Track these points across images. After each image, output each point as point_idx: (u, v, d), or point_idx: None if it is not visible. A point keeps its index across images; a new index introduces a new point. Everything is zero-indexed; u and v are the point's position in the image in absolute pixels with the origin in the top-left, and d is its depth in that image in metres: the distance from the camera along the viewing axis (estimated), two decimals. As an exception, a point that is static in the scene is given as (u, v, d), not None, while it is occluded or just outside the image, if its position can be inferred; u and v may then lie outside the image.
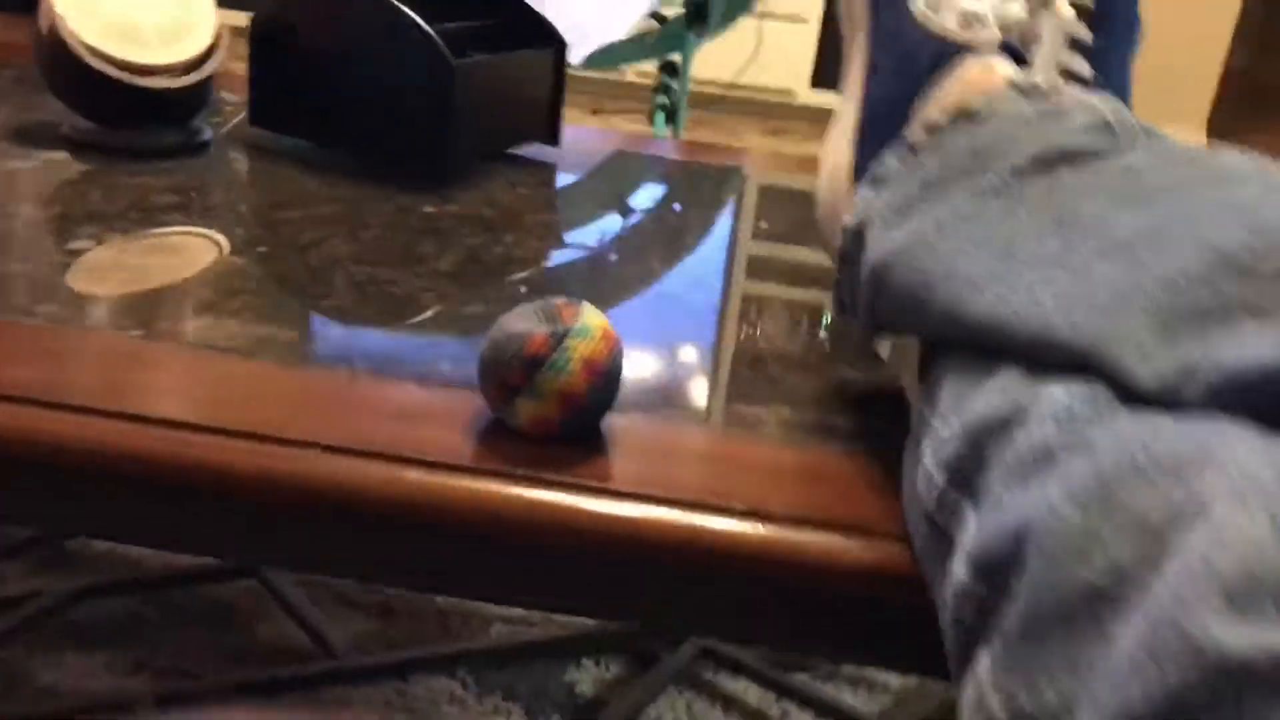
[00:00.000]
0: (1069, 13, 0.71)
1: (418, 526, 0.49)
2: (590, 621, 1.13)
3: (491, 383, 0.51)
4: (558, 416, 0.50)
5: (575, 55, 1.71)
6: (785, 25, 3.49)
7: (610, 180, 1.01)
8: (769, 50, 3.46)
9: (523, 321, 0.51)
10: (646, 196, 0.99)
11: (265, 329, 0.60)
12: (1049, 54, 0.73)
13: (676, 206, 0.97)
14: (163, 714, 0.95)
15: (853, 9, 0.80)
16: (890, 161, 0.66)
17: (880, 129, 0.72)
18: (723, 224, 0.92)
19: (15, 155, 0.81)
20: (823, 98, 3.56)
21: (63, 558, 1.16)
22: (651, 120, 1.91)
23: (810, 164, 1.27)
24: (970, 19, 0.71)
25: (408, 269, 0.70)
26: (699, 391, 0.61)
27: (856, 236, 0.59)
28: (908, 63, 0.72)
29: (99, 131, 0.84)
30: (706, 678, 1.10)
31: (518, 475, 0.49)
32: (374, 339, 0.61)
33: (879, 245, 0.55)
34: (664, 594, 0.50)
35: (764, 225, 0.92)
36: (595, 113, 3.45)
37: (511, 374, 0.50)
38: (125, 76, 0.80)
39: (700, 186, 1.02)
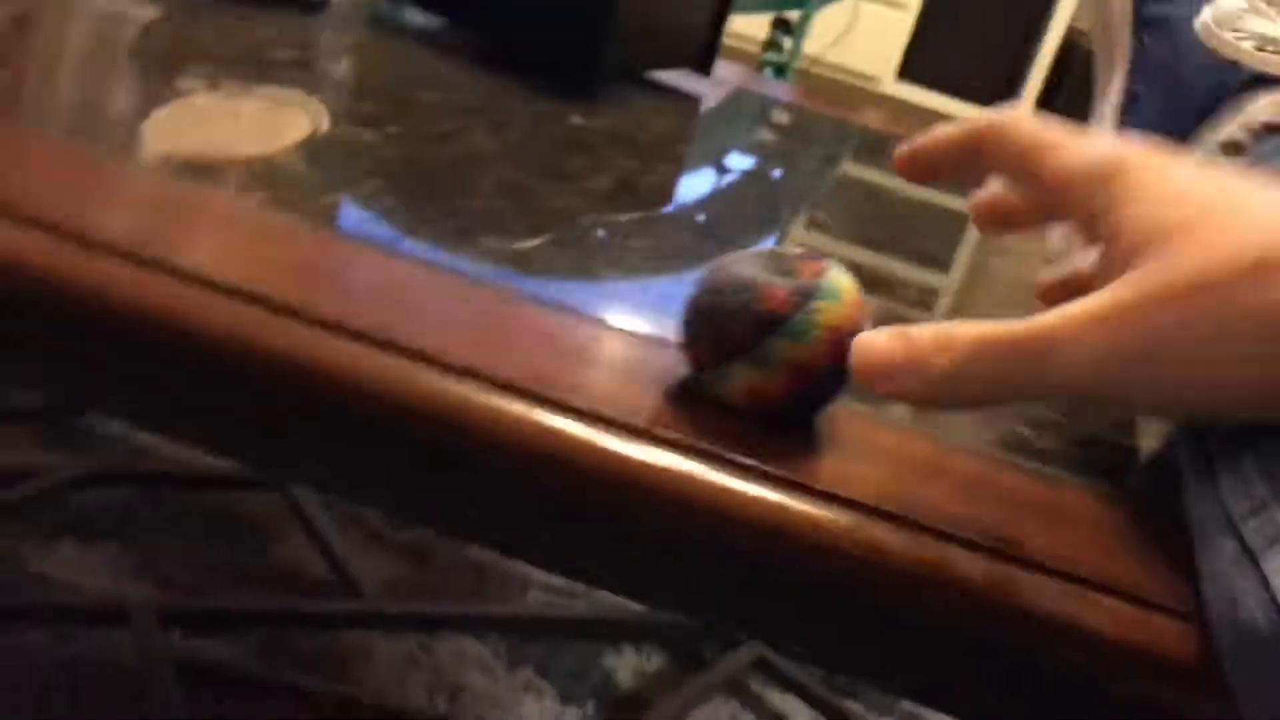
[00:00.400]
0: None
1: (577, 498, 0.39)
2: (636, 605, 1.03)
3: (704, 337, 0.40)
4: (783, 393, 0.39)
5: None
6: (883, 10, 3.36)
7: (751, 120, 0.90)
8: (861, 32, 3.33)
9: (753, 269, 0.40)
10: (784, 143, 0.88)
11: (401, 221, 0.49)
12: None
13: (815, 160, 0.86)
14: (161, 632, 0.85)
15: (1111, 32, 0.70)
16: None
17: None
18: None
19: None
20: (905, 90, 3.44)
21: (71, 435, 1.05)
22: (758, 71, 1.80)
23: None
24: (1265, 44, 0.60)
25: (560, 183, 0.59)
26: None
27: None
28: (1180, 95, 0.62)
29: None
30: (755, 689, 1.00)
31: (733, 459, 0.38)
32: (529, 257, 0.50)
33: None
34: (889, 638, 0.40)
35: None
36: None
37: (735, 331, 0.39)
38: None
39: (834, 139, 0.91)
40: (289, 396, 0.39)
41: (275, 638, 0.90)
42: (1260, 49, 0.61)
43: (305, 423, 0.40)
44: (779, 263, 0.40)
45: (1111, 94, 0.69)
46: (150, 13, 0.66)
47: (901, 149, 0.38)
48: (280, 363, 0.38)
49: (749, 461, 0.38)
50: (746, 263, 0.41)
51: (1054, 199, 0.33)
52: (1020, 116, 0.35)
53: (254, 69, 0.62)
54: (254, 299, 0.38)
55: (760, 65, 1.76)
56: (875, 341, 0.33)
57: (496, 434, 0.38)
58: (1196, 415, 0.33)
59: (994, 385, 0.31)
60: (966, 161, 0.37)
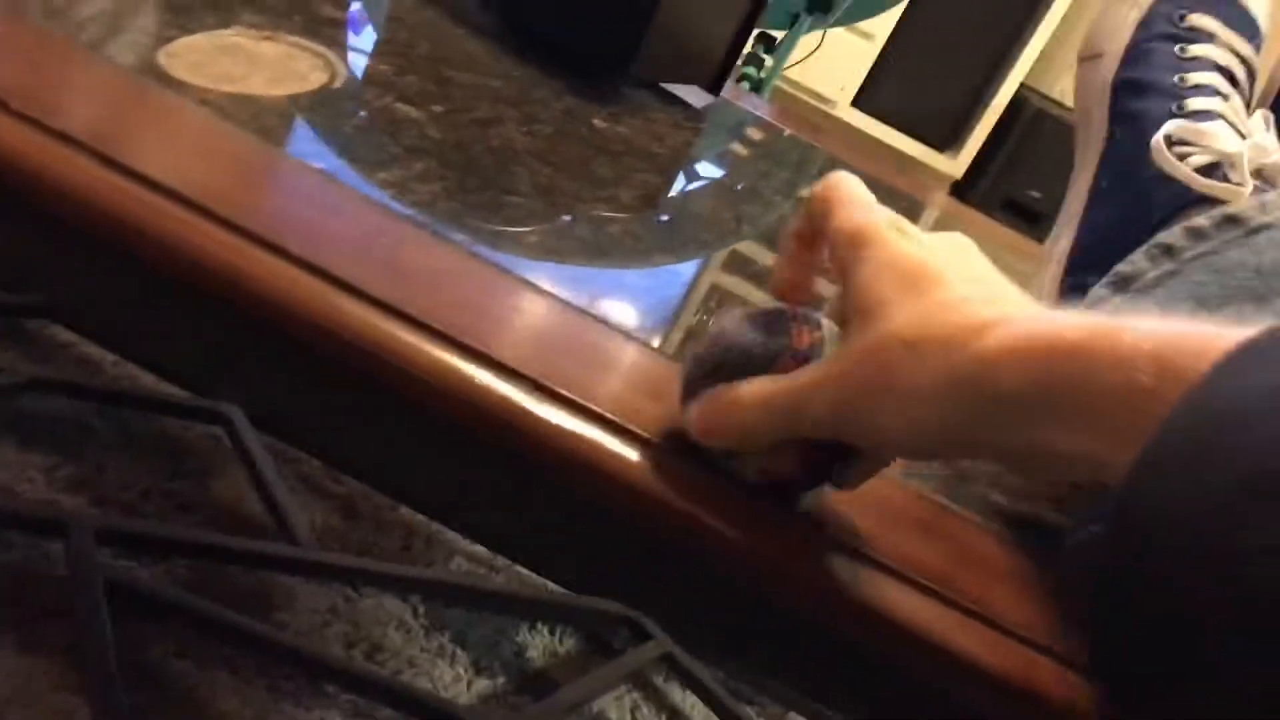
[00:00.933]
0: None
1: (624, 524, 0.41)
2: (554, 587, 1.06)
3: None
4: (794, 471, 0.39)
5: None
6: (850, 36, 3.41)
7: (750, 141, 0.93)
8: (826, 55, 3.38)
9: (754, 334, 0.39)
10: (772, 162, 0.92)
11: (449, 205, 0.51)
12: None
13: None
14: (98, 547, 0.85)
15: (1089, 116, 0.72)
16: (1140, 261, 0.59)
17: (1093, 266, 0.64)
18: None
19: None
20: (858, 118, 3.51)
21: (20, 336, 1.04)
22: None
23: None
24: (1224, 161, 0.62)
25: (590, 189, 0.61)
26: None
27: None
28: (1140, 201, 0.63)
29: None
30: (658, 684, 1.04)
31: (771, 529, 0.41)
32: (565, 258, 0.52)
33: None
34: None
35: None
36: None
37: None
38: None
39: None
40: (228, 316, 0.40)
41: (204, 570, 0.91)
42: (1209, 169, 0.63)
43: (239, 345, 0.41)
44: (776, 327, 0.39)
45: (1083, 178, 0.72)
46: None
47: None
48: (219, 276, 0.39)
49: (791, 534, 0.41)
50: (746, 328, 0.40)
51: (832, 254, 0.39)
52: (844, 177, 0.40)
53: (318, 26, 0.64)
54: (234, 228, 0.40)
55: (739, 78, 1.79)
56: (695, 412, 0.39)
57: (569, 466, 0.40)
58: (905, 453, 0.40)
59: (774, 430, 0.37)
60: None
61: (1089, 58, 0.75)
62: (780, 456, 0.39)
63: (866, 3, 1.66)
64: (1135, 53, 0.72)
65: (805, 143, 1.02)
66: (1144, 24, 0.73)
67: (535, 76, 0.74)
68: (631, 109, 0.78)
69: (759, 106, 1.17)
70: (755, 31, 1.83)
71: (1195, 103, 0.69)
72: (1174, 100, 0.69)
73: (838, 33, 3.38)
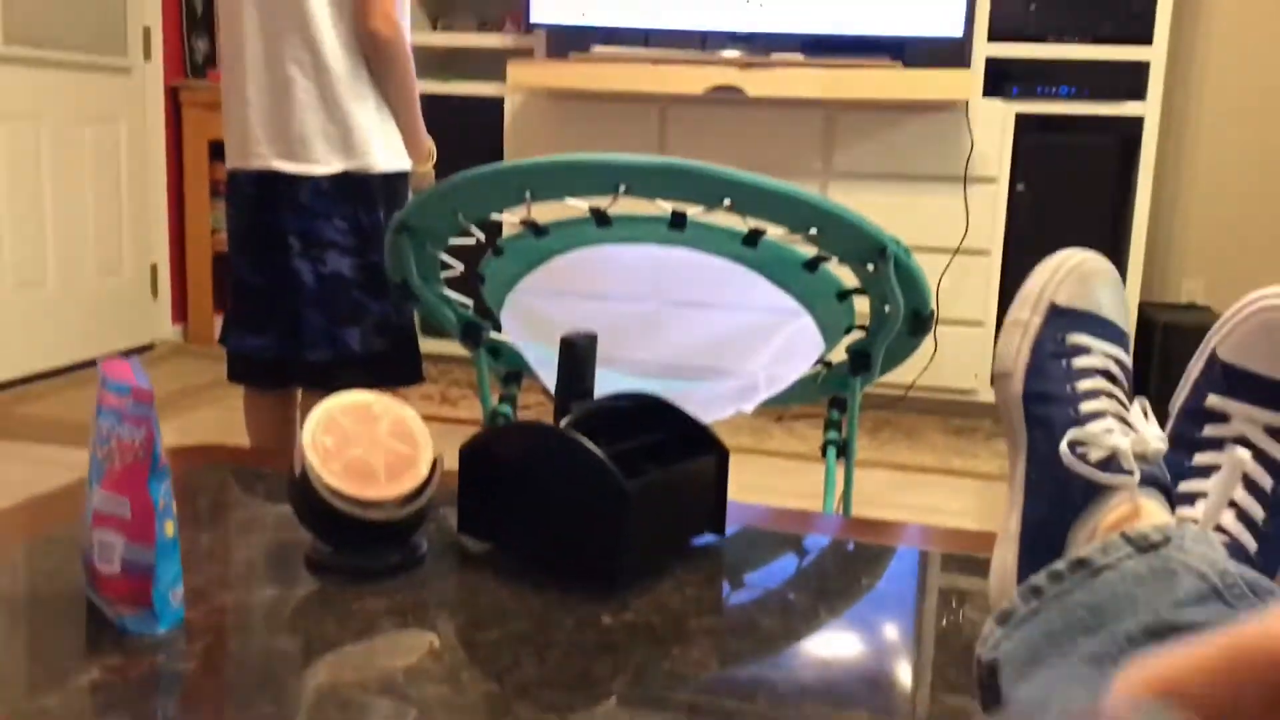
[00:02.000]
0: (1246, 455, 0.82)
1: None
2: None
3: None
4: None
5: (748, 405, 1.86)
6: (962, 329, 3.61)
7: (775, 571, 1.11)
8: (946, 354, 3.57)
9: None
10: (812, 590, 1.09)
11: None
12: (1222, 490, 0.83)
13: (848, 604, 1.06)
14: None
15: (1011, 421, 0.90)
16: (1017, 602, 0.73)
17: (1038, 546, 0.82)
18: (904, 622, 1.00)
19: (269, 580, 0.98)
20: (1004, 393, 3.62)
21: None
22: (823, 453, 2.02)
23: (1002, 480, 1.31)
24: (1116, 453, 0.80)
25: (586, 692, 0.81)
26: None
27: (991, 671, 0.67)
28: (1061, 491, 0.82)
29: (336, 555, 1.00)
30: None
31: None
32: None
33: (1009, 694, 0.63)
34: None
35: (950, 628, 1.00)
36: (779, 419, 3.61)
37: None
38: (359, 511, 0.97)
39: (872, 572, 1.11)
40: None
41: None
42: (1105, 462, 0.81)
43: None
44: None
45: (1018, 470, 0.89)
46: (290, 602, 0.93)
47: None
48: None
49: None
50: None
51: None
52: None
53: (374, 642, 0.88)
54: None
55: (824, 447, 1.99)
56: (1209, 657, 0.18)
57: None
58: None
59: None
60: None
61: (1000, 375, 0.94)
62: None
63: (898, 348, 1.86)
64: (1033, 370, 0.90)
65: (845, 544, 1.19)
66: (1036, 346, 0.91)
67: (552, 600, 0.95)
68: (639, 590, 0.98)
69: (786, 521, 1.33)
70: (828, 399, 2.05)
71: (1087, 406, 0.87)
72: (1071, 405, 0.87)
73: (949, 331, 3.58)
